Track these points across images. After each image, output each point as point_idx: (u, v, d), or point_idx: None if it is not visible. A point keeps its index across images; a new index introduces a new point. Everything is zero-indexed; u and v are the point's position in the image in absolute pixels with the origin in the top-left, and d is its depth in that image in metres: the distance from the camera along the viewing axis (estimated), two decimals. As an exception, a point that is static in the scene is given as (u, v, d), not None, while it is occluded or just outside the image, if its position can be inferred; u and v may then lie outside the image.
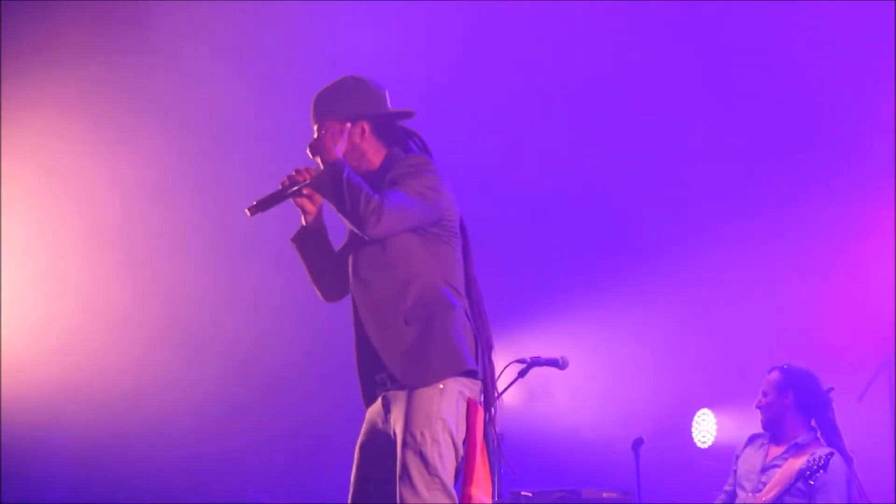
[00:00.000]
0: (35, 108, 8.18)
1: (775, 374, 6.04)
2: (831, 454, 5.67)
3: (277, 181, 4.17)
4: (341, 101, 4.20)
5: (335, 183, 3.95)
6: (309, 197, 4.15)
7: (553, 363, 6.45)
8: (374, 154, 4.21)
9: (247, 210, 4.09)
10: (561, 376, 6.98)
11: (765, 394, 6.04)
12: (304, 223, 4.24)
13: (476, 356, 4.06)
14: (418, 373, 3.96)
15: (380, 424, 4.09)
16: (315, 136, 4.19)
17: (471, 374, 4.02)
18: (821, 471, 5.56)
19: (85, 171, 8.34)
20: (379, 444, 4.08)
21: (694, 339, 8.54)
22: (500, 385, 6.25)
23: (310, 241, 4.24)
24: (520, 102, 8.67)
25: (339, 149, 4.08)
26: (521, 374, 6.44)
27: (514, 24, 8.50)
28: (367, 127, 4.20)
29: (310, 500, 8.62)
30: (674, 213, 8.81)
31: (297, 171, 4.14)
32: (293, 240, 4.25)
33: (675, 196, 8.78)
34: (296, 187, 4.12)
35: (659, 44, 8.57)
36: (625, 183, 8.80)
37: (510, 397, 6.79)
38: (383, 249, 4.05)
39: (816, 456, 5.68)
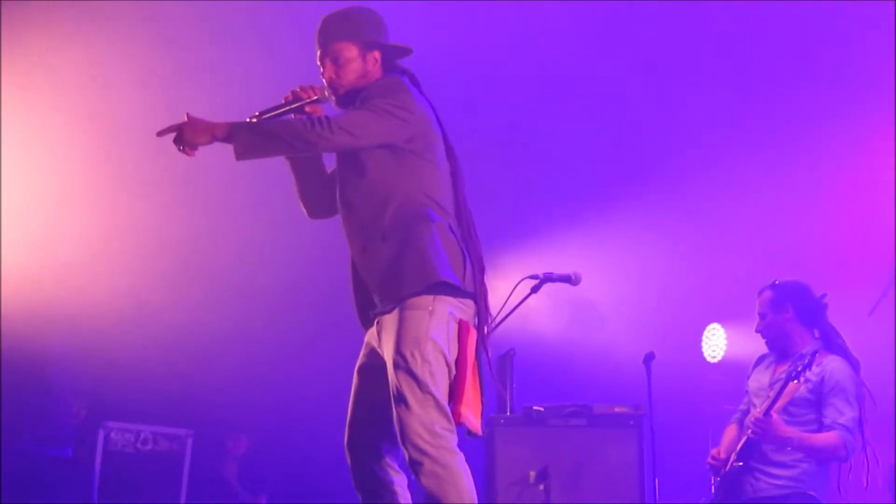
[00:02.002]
0: (38, 21, 8.10)
1: (768, 293, 5.87)
2: (816, 352, 5.56)
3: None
4: (359, 26, 4.24)
5: (272, 136, 3.94)
6: (309, 115, 4.15)
7: (566, 279, 6.51)
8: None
9: (248, 119, 4.09)
10: (573, 292, 7.06)
11: (762, 315, 5.87)
12: None
13: (465, 276, 4.07)
14: (393, 287, 4.01)
15: (375, 346, 4.15)
16: (319, 58, 4.23)
17: (445, 287, 4.00)
18: (806, 369, 5.41)
19: (88, 90, 8.26)
20: (375, 367, 4.13)
21: (704, 254, 8.57)
22: (514, 300, 6.39)
23: (302, 157, 4.29)
24: (531, 21, 8.64)
25: (205, 140, 3.95)
26: (534, 289, 6.52)
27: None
28: (378, 57, 4.26)
29: (308, 424, 8.68)
30: (683, 125, 8.79)
31: (302, 88, 4.19)
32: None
33: (684, 110, 8.75)
34: (298, 103, 4.17)
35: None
36: (635, 98, 8.78)
37: (523, 313, 6.84)
38: (363, 173, 4.10)
39: (800, 354, 5.58)
